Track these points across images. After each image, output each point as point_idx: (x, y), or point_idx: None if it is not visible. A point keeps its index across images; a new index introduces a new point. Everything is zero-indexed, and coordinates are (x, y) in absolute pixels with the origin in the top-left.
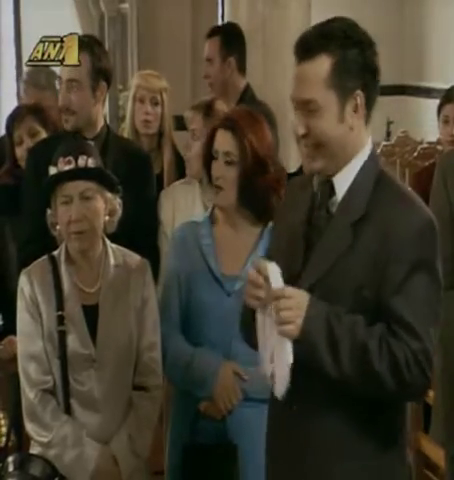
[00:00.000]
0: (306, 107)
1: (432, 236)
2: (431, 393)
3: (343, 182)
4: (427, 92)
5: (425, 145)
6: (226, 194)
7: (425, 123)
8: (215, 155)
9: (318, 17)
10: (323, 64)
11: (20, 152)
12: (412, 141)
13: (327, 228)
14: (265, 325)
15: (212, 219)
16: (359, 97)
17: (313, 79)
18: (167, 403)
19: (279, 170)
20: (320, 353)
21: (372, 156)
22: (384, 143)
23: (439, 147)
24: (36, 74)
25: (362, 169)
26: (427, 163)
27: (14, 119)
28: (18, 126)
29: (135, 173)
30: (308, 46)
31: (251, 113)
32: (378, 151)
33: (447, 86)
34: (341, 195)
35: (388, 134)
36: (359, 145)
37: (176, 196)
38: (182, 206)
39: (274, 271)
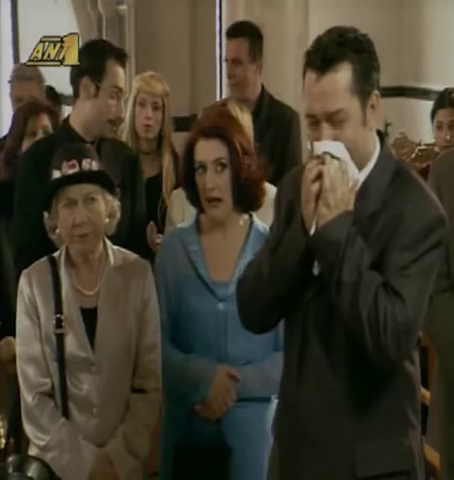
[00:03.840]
0: (333, 118)
1: (441, 232)
2: (428, 394)
3: (360, 177)
4: (425, 94)
5: (423, 147)
6: (223, 203)
7: (423, 125)
8: (202, 167)
9: (316, 19)
10: (346, 72)
11: (27, 144)
12: (410, 143)
13: None
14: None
15: (198, 227)
16: (375, 96)
17: (339, 89)
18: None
19: (262, 164)
20: (332, 247)
21: (384, 149)
22: None
23: (436, 149)
24: (21, 68)
25: (377, 163)
26: (425, 165)
27: (32, 110)
28: (35, 119)
29: (126, 176)
30: (330, 57)
31: (225, 112)
32: None
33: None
34: (356, 189)
35: (386, 135)
36: (376, 141)
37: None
38: (192, 207)
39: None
